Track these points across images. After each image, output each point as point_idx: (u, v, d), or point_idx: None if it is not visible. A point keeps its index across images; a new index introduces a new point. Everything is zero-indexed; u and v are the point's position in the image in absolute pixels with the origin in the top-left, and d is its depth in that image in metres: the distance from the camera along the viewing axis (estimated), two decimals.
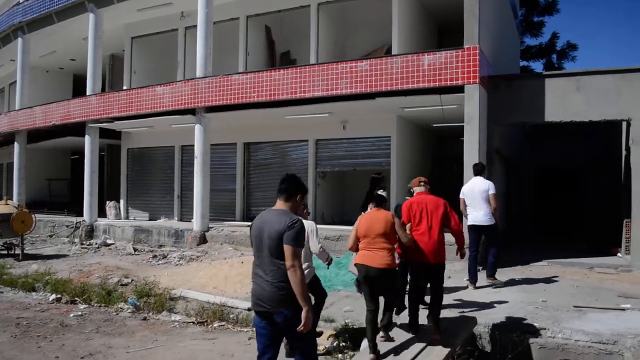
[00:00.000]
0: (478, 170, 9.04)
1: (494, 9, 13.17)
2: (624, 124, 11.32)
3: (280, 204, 4.26)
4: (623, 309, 7.20)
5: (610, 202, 13.36)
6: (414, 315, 6.03)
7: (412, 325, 5.98)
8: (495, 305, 7.46)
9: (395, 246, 5.83)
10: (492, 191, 8.65)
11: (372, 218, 5.80)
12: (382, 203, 6.02)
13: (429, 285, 6.31)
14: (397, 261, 5.88)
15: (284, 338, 4.30)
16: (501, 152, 12.91)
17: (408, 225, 6.07)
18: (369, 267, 5.54)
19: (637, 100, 10.43)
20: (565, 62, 27.87)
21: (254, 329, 4.52)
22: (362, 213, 6.98)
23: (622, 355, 5.64)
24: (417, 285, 6.22)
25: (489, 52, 11.87)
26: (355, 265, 5.71)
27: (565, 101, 11.05)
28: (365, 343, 5.89)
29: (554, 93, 11.16)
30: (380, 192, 7.61)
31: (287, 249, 3.96)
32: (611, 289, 8.47)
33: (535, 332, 6.25)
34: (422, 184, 6.54)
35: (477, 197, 8.68)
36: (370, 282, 5.57)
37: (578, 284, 8.91)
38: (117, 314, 8.47)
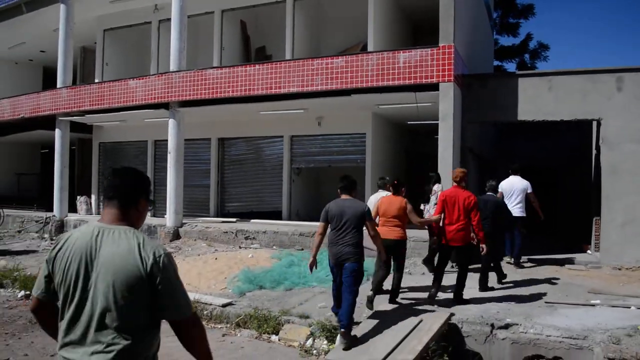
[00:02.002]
0: (515, 170, 10.44)
1: (469, 9, 13.30)
2: (595, 124, 11.54)
3: (346, 196, 6.41)
4: (593, 305, 7.34)
5: (582, 200, 13.60)
6: (437, 283, 7.46)
7: (433, 289, 7.42)
8: (469, 300, 7.54)
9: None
10: (530, 190, 10.17)
11: (390, 202, 7.38)
12: (398, 190, 7.47)
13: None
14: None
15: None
16: (474, 150, 13.06)
17: (436, 217, 7.59)
18: (386, 239, 6.96)
19: (605, 100, 10.65)
20: (537, 62, 28.29)
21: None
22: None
23: (592, 350, 5.75)
24: (443, 260, 7.58)
25: (464, 51, 11.98)
26: None
27: (538, 100, 11.22)
28: (339, 339, 5.99)
29: (527, 92, 11.32)
30: (436, 186, 9.56)
31: (371, 223, 6.34)
32: (581, 285, 8.64)
33: (507, 327, 6.34)
34: (457, 180, 7.64)
35: (515, 192, 10.12)
36: (387, 249, 6.88)
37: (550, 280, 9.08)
38: None
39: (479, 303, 7.41)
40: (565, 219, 14.83)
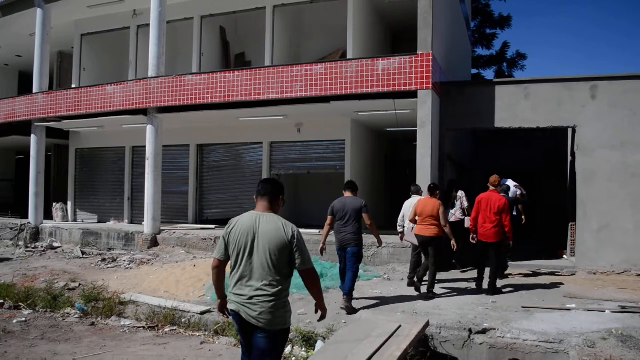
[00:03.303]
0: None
1: (447, 18, 13.45)
2: (570, 131, 11.73)
3: (349, 194, 7.87)
4: (568, 309, 7.45)
5: (558, 206, 13.79)
6: (480, 275, 8.81)
7: (478, 280, 8.81)
8: (446, 306, 7.60)
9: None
10: (519, 192, 10.95)
11: (425, 203, 8.35)
12: (434, 192, 8.49)
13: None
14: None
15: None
16: (453, 157, 13.17)
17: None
18: (423, 236, 8.26)
19: (580, 108, 10.86)
20: (515, 70, 28.64)
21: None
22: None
23: (568, 354, 5.83)
24: (481, 256, 8.82)
25: (442, 59, 12.10)
26: (415, 235, 8.41)
27: (514, 108, 11.38)
28: (319, 344, 5.98)
29: (504, 100, 11.47)
30: (459, 192, 10.71)
31: (367, 215, 7.65)
32: (557, 290, 8.76)
33: (485, 332, 6.39)
34: (494, 185, 8.75)
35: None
36: (423, 245, 8.32)
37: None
38: (64, 320, 8.20)
39: (458, 308, 7.47)
40: (542, 224, 15.02)
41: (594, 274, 10.23)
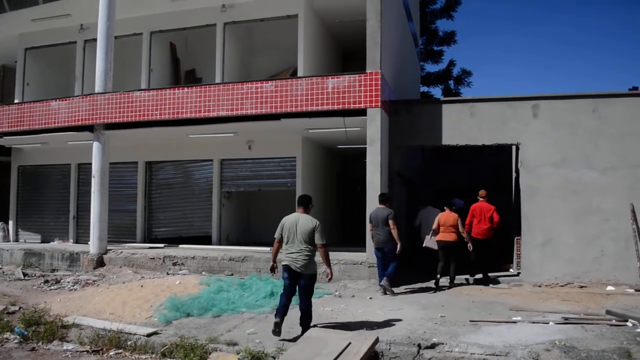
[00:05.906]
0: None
1: (396, 37, 13.72)
2: (514, 148, 12.09)
3: (382, 206, 9.99)
4: (514, 322, 7.61)
5: (505, 221, 14.13)
6: (482, 268, 11.09)
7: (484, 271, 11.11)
8: (396, 322, 7.66)
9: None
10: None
11: (447, 216, 10.76)
12: (451, 208, 10.93)
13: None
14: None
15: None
16: (402, 173, 13.35)
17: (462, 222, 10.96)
18: (445, 241, 10.64)
19: (523, 126, 11.23)
20: (461, 87, 29.32)
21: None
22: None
23: None
24: (479, 251, 10.93)
25: (391, 77, 12.31)
26: (437, 240, 10.78)
27: (461, 126, 11.67)
28: None
29: (450, 118, 11.76)
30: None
31: (392, 222, 9.61)
32: (504, 303, 8.96)
33: (434, 347, 6.45)
34: (483, 197, 11.36)
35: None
36: (445, 248, 10.63)
37: (474, 299, 9.36)
38: (2, 345, 7.82)
39: (407, 324, 7.53)
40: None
41: (539, 286, 10.53)
